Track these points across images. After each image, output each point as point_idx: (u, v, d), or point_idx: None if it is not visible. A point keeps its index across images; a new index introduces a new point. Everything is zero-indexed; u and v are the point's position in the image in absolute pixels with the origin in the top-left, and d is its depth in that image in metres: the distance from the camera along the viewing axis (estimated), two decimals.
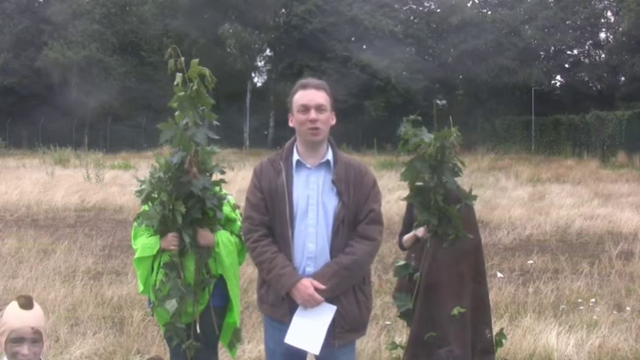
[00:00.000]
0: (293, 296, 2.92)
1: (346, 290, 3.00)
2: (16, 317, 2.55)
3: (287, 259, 2.95)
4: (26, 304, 2.58)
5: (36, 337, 2.57)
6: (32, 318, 2.58)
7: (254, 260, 3.06)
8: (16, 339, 2.53)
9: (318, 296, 2.89)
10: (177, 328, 3.22)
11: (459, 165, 3.38)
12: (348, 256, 2.95)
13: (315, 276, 2.94)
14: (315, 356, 3.16)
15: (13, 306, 2.59)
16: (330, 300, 2.95)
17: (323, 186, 3.01)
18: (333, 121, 3.08)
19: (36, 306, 2.63)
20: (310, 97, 2.98)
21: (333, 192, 3.00)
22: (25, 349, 2.53)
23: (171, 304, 3.15)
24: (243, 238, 3.18)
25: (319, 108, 2.97)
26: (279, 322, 3.02)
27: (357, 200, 3.01)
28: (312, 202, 2.98)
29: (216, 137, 3.17)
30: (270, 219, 3.01)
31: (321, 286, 2.90)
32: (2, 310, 2.67)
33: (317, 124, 2.96)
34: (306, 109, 2.96)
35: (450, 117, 3.52)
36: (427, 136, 3.32)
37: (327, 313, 2.95)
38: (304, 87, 3.02)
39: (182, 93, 3.09)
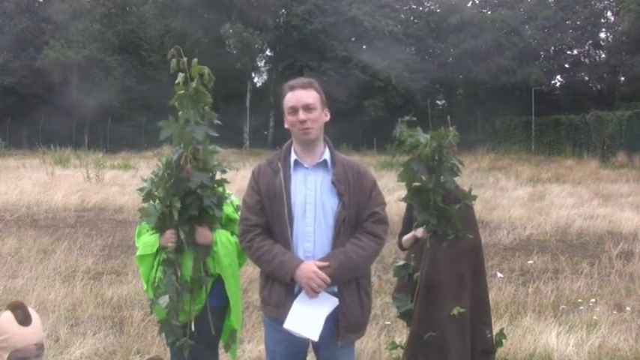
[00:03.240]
0: (297, 278, 2.90)
1: (351, 291, 3.00)
2: (18, 335, 2.51)
3: (285, 249, 2.96)
4: (25, 319, 2.53)
5: (39, 352, 2.56)
6: (34, 334, 2.54)
7: (252, 257, 3.05)
8: (20, 358, 2.51)
9: (322, 274, 2.87)
10: (172, 326, 3.22)
11: (458, 165, 3.38)
12: (357, 250, 2.94)
13: (320, 260, 2.93)
14: (316, 356, 3.17)
15: (12, 321, 2.53)
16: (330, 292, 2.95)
17: (321, 186, 3.00)
18: (327, 118, 3.06)
19: (34, 316, 2.59)
20: (297, 98, 2.97)
21: (333, 192, 2.99)
22: None
23: (164, 300, 3.16)
24: (238, 239, 3.18)
25: (307, 108, 2.96)
26: (280, 323, 3.01)
27: (358, 202, 3.00)
28: (309, 202, 2.98)
29: (216, 135, 3.18)
30: (269, 219, 3.01)
31: (324, 263, 2.89)
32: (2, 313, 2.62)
33: (306, 124, 2.95)
34: (294, 110, 2.97)
35: (448, 117, 3.51)
36: (423, 137, 3.32)
37: (328, 303, 2.94)
38: (291, 88, 3.01)
39: (182, 92, 3.10)
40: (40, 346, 2.56)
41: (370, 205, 3.02)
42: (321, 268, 2.89)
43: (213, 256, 3.31)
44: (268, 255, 2.95)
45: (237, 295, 3.45)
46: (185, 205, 3.14)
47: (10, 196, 13.64)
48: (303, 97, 2.97)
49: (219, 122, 3.24)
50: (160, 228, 3.25)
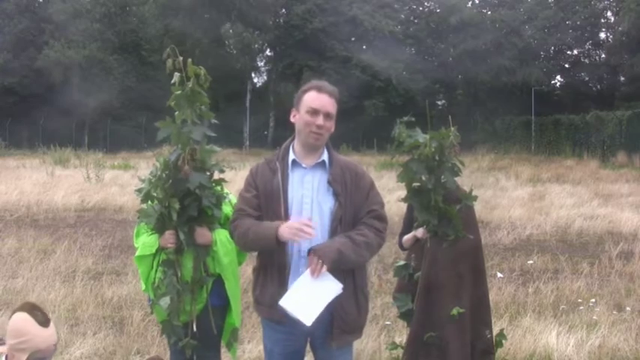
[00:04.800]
0: (282, 236, 2.82)
1: (347, 290, 2.98)
2: (40, 337, 2.53)
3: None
4: (45, 320, 2.56)
5: (54, 352, 2.60)
6: (53, 335, 2.58)
7: (239, 238, 3.02)
8: (39, 359, 2.54)
9: (309, 225, 2.79)
10: (173, 326, 3.22)
11: (458, 165, 3.37)
12: (359, 236, 2.93)
13: (322, 244, 2.88)
14: (314, 356, 3.17)
15: (32, 323, 2.54)
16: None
17: (318, 186, 3.01)
18: (333, 129, 3.08)
19: (51, 320, 2.62)
20: (323, 103, 2.97)
21: (330, 192, 2.99)
22: None
23: (165, 301, 3.16)
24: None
25: (328, 116, 2.98)
26: (275, 322, 3.01)
27: (355, 202, 3.01)
28: (306, 202, 2.99)
29: (213, 135, 3.18)
30: (266, 218, 3.00)
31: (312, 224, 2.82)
32: (2, 313, 2.64)
33: (322, 130, 2.96)
34: (315, 112, 2.96)
35: (450, 117, 3.51)
36: (422, 137, 3.31)
37: (331, 288, 2.88)
38: (319, 90, 3.00)
39: (179, 92, 3.10)
40: (55, 347, 2.61)
41: (368, 204, 3.03)
42: (317, 247, 2.84)
43: (213, 255, 3.31)
44: (253, 228, 2.93)
45: (237, 294, 3.45)
46: (184, 206, 3.14)
47: (10, 196, 13.64)
48: (328, 105, 2.98)
49: (216, 122, 3.24)
50: (159, 229, 3.25)
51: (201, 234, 3.24)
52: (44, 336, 2.54)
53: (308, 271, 2.85)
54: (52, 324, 2.59)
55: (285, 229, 2.82)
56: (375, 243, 3.00)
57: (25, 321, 2.56)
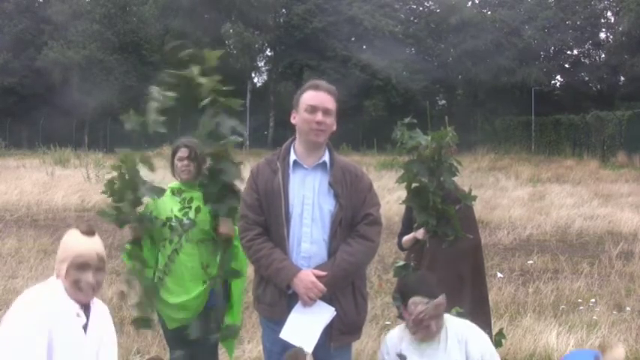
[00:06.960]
0: (294, 287, 2.90)
1: (346, 292, 3.00)
2: (80, 243, 2.44)
3: (284, 254, 2.96)
4: (89, 231, 2.48)
5: (100, 265, 2.49)
6: (97, 244, 2.49)
7: (251, 258, 3.05)
8: (81, 264, 2.42)
9: (320, 284, 2.88)
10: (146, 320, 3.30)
11: (455, 165, 3.37)
12: (346, 258, 2.95)
13: (311, 281, 2.92)
14: (313, 356, 3.17)
15: (73, 234, 2.48)
16: (327, 301, 2.95)
17: (319, 187, 3.01)
18: (334, 128, 3.08)
19: (97, 234, 2.55)
20: (321, 99, 2.99)
21: (330, 194, 2.99)
22: (90, 277, 2.44)
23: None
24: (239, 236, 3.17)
25: (327, 112, 2.99)
26: (275, 322, 3.01)
27: (354, 204, 3.01)
28: (307, 202, 2.99)
29: (242, 133, 3.27)
30: (267, 219, 3.01)
31: (322, 273, 2.89)
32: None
33: (322, 126, 2.97)
34: (314, 109, 2.97)
35: (446, 117, 3.50)
36: (423, 138, 3.32)
37: (325, 313, 2.93)
38: (316, 88, 3.02)
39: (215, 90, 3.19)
40: (101, 259, 2.50)
41: (365, 207, 3.03)
42: (318, 277, 2.89)
43: (235, 251, 3.30)
44: (267, 259, 2.95)
45: (241, 293, 3.45)
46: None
47: (10, 196, 13.64)
48: (325, 101, 2.99)
49: (241, 124, 3.29)
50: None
51: (226, 223, 3.23)
52: (84, 241, 2.45)
53: (300, 303, 2.93)
54: (97, 237, 2.51)
55: (299, 284, 2.88)
56: (365, 257, 3.05)
57: (69, 233, 2.51)
